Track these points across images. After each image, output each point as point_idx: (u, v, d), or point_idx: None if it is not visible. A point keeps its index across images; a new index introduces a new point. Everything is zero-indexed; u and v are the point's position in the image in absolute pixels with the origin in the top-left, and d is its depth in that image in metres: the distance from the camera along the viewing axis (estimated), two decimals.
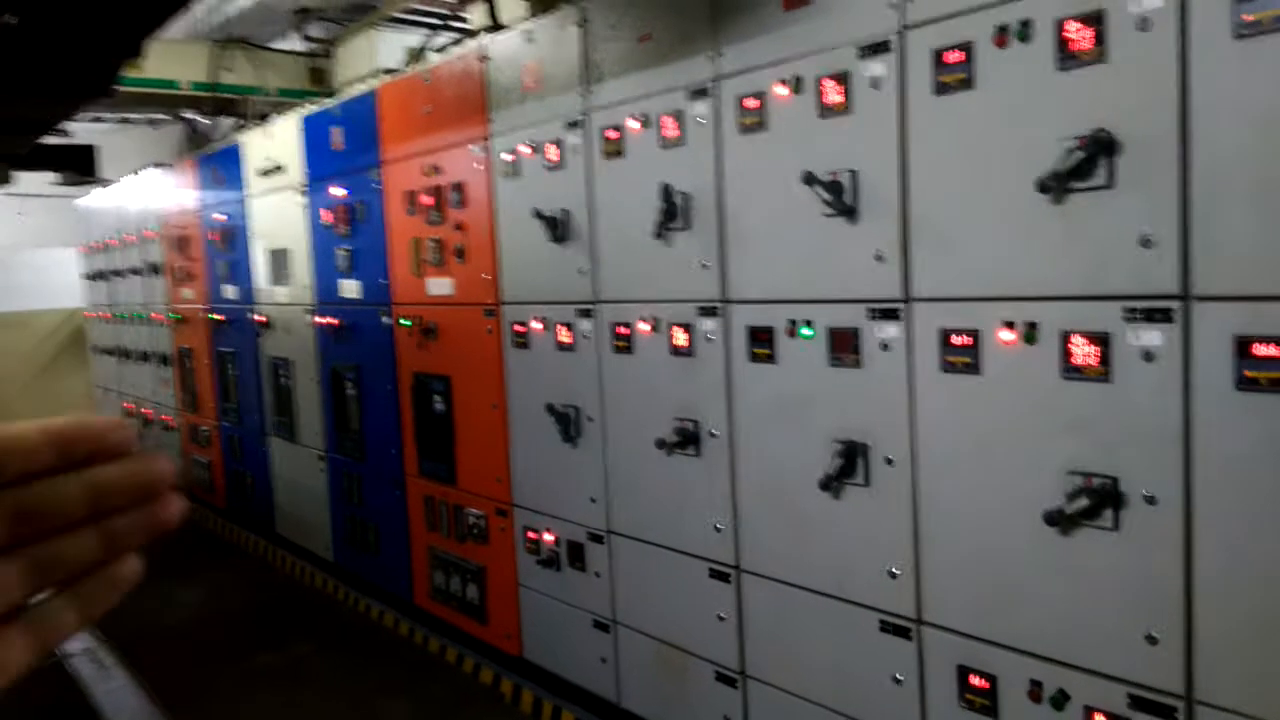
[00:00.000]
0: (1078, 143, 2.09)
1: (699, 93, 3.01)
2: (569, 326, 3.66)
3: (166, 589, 5.98)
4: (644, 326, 3.32)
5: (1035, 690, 2.31)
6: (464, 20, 5.81)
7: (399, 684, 4.41)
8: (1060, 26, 2.13)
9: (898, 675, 2.64)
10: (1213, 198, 1.95)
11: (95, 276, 9.84)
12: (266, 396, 6.30)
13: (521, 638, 4.16)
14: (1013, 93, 2.24)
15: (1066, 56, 2.13)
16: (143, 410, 8.74)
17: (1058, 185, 2.12)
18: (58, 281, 11.26)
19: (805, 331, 2.77)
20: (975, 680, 2.44)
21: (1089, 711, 2.21)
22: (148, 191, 8.04)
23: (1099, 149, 2.07)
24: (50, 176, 9.69)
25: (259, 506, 6.60)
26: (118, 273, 9.03)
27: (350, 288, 5.14)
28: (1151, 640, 2.10)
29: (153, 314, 8.20)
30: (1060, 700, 2.26)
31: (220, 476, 7.22)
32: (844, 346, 2.67)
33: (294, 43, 8.25)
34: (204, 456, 7.45)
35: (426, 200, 4.37)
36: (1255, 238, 1.89)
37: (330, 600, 5.62)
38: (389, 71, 4.98)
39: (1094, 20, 2.08)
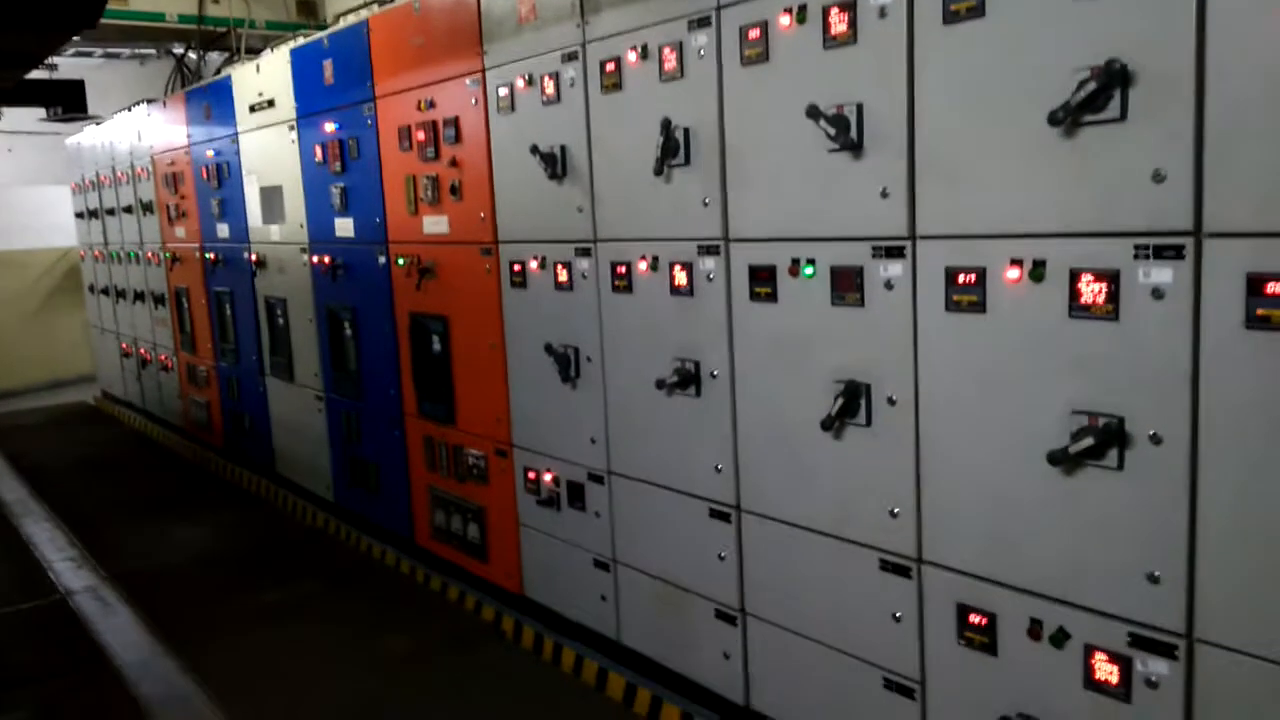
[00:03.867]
0: (1090, 74, 2.02)
1: (700, 23, 2.92)
2: (567, 266, 3.61)
3: (168, 528, 6.02)
4: (643, 266, 3.27)
5: (1035, 628, 2.32)
6: None
7: (401, 622, 4.45)
8: None
9: (897, 613, 2.65)
10: (1229, 131, 1.89)
11: (87, 215, 9.74)
12: (263, 336, 6.27)
13: (522, 576, 4.18)
14: (1024, 21, 2.16)
15: None
16: (140, 350, 8.71)
17: (1069, 118, 2.06)
18: (50, 220, 11.16)
19: (807, 270, 2.73)
20: (975, 618, 2.45)
21: (1089, 650, 2.21)
22: (137, 128, 7.91)
23: (1112, 80, 2.00)
24: (38, 113, 9.56)
25: (258, 446, 6.61)
26: (110, 211, 8.93)
27: (345, 226, 5.07)
28: (1153, 579, 2.09)
29: (148, 253, 8.13)
30: (1060, 638, 2.26)
31: (218, 417, 7.22)
32: (847, 285, 2.63)
33: None
34: (202, 397, 7.44)
35: (421, 136, 4.29)
36: (1271, 173, 1.84)
37: (332, 539, 5.65)
38: (380, 2, 4.86)
39: None
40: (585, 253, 3.53)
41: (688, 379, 3.16)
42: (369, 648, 4.20)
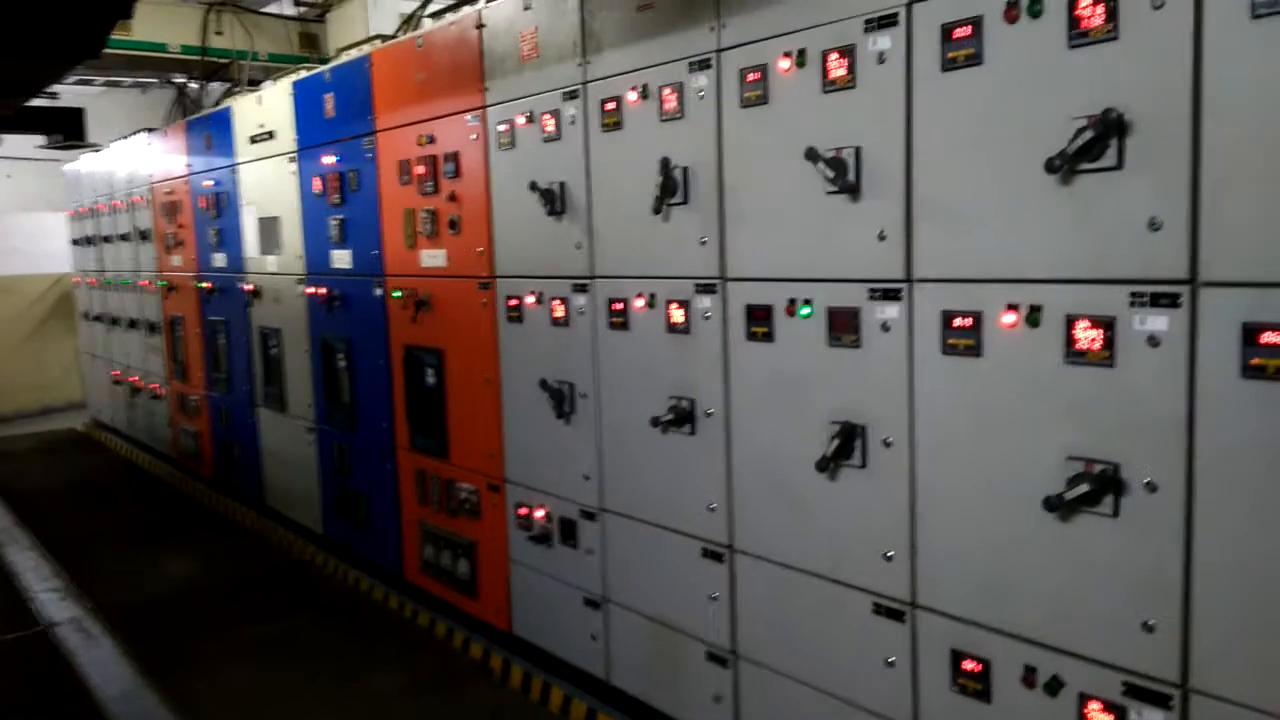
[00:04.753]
0: (1087, 122, 2.05)
1: (700, 64, 2.95)
2: (564, 302, 3.62)
3: (155, 559, 5.95)
4: (640, 303, 3.28)
5: (1029, 676, 2.29)
6: None
7: (389, 658, 4.40)
8: (1072, 2, 2.08)
9: (890, 658, 2.63)
10: (1224, 181, 1.91)
11: (83, 242, 9.74)
12: (256, 367, 6.24)
13: (511, 614, 4.14)
14: (1022, 70, 2.19)
15: (1078, 34, 2.08)
16: (131, 378, 8.67)
17: (1065, 165, 2.08)
18: (46, 246, 11.17)
19: (804, 311, 2.73)
20: (968, 665, 2.43)
21: (1084, 699, 2.19)
22: (137, 156, 7.93)
23: (1109, 129, 2.03)
24: (38, 140, 9.59)
25: (248, 477, 6.56)
26: (106, 238, 8.93)
27: (342, 258, 5.08)
28: (1148, 628, 2.08)
29: (142, 281, 8.12)
30: (1054, 686, 2.24)
31: (208, 446, 7.17)
32: (844, 326, 2.63)
33: (286, 7, 8.13)
34: (192, 426, 7.40)
35: (420, 170, 4.31)
36: (1266, 222, 1.85)
37: (320, 573, 5.59)
38: (383, 37, 4.90)
39: None
40: (582, 289, 3.53)
41: (683, 417, 3.15)
42: (356, 684, 4.14)
